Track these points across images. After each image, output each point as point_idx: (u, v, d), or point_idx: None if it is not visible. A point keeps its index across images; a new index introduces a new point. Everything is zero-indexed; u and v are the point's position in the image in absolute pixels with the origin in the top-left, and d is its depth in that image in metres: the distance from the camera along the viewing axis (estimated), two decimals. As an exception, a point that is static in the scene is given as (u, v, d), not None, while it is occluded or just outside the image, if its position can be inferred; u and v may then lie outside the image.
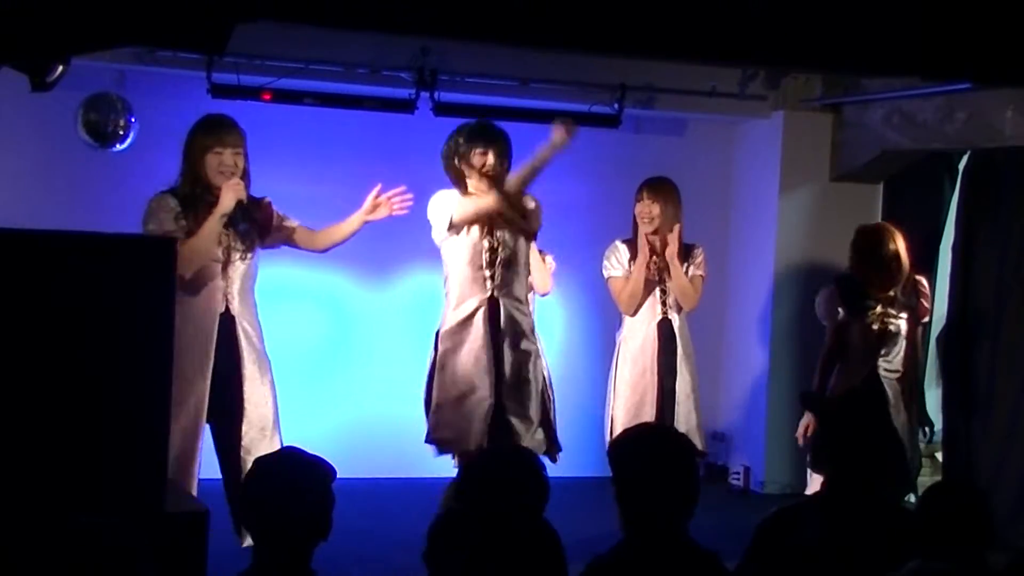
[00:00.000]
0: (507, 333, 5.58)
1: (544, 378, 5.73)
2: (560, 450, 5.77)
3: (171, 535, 3.74)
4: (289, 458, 3.09)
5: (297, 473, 3.01)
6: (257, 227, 5.56)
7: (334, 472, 3.03)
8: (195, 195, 5.41)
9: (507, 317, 5.59)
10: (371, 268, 7.73)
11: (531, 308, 5.96)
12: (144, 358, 3.85)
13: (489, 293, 5.58)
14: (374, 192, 5.77)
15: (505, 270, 5.60)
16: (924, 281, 6.28)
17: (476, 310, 5.56)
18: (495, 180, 5.55)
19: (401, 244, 7.44)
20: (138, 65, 6.78)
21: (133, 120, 6.85)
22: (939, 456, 7.83)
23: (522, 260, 5.70)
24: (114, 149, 6.89)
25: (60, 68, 4.62)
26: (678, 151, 8.20)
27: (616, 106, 7.43)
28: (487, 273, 5.58)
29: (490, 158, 5.58)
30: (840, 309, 6.15)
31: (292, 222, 5.76)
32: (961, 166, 7.55)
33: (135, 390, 3.82)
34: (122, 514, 3.09)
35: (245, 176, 5.48)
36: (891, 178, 8.06)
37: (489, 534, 3.15)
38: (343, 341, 7.74)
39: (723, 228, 8.40)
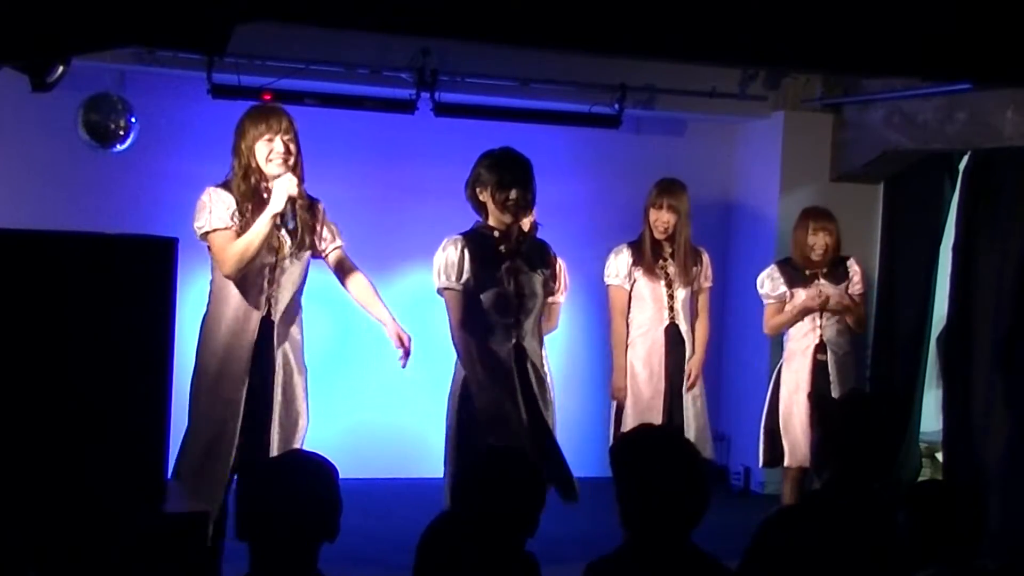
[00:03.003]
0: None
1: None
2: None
3: (171, 535, 3.74)
4: (291, 459, 3.09)
5: (298, 473, 3.01)
6: (308, 228, 5.16)
7: (335, 472, 3.01)
8: (250, 187, 5.02)
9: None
10: (371, 268, 7.70)
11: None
12: (144, 358, 3.85)
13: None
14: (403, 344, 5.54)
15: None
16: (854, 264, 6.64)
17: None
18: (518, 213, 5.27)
19: (401, 244, 7.44)
20: (138, 65, 6.79)
21: (133, 120, 6.86)
22: (939, 456, 7.83)
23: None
24: (114, 149, 6.90)
25: (60, 68, 4.62)
26: (678, 151, 8.21)
27: (616, 106, 7.43)
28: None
29: (512, 193, 5.22)
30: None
31: (333, 240, 5.36)
32: (961, 166, 7.55)
33: (135, 390, 3.82)
34: (122, 514, 3.09)
35: (298, 167, 5.07)
36: (891, 178, 8.07)
37: (484, 541, 3.14)
38: (343, 340, 7.73)
39: (723, 228, 8.40)
